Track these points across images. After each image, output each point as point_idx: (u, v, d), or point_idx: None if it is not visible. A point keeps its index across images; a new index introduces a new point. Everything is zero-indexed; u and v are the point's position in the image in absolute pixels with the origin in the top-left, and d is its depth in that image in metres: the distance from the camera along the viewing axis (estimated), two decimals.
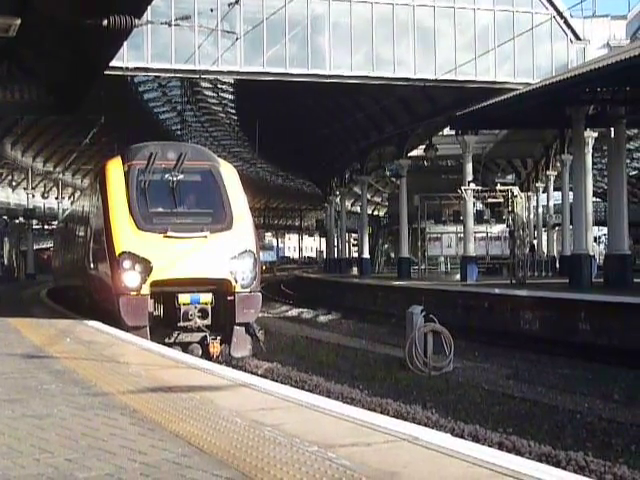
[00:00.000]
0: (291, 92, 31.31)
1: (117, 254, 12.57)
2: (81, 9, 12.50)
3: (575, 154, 26.72)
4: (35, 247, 57.20)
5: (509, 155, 43.40)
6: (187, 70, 24.09)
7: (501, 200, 29.80)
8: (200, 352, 12.36)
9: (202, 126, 62.03)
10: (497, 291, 22.82)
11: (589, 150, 28.62)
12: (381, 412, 9.02)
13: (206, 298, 12.60)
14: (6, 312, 16.18)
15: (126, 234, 12.82)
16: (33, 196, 54.26)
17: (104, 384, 6.74)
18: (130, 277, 12.39)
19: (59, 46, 15.63)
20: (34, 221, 55.23)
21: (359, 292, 33.10)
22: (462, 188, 28.73)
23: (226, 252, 12.86)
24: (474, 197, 29.52)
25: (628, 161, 44.40)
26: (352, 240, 71.34)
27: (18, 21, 12.04)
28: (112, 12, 12.24)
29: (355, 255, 61.48)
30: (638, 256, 50.62)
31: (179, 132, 58.79)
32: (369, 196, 58.03)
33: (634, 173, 59.78)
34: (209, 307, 12.58)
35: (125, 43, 17.95)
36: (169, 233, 12.68)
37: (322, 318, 27.43)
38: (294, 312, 30.33)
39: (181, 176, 13.45)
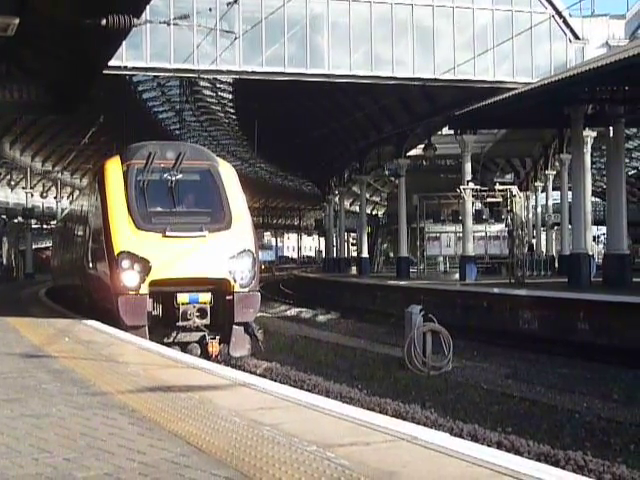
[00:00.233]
0: (290, 91, 31.30)
1: (116, 253, 12.55)
2: (80, 9, 12.51)
3: (574, 153, 26.74)
4: (34, 247, 57.02)
5: (508, 154, 43.38)
6: (186, 69, 24.05)
7: (500, 199, 29.91)
8: (199, 352, 12.34)
9: (201, 126, 61.99)
10: (496, 291, 22.82)
11: (588, 149, 28.57)
12: (380, 412, 9.00)
13: (205, 298, 12.58)
14: (5, 311, 16.17)
15: (125, 234, 12.80)
16: (32, 195, 54.16)
17: (103, 383, 6.73)
18: (129, 276, 12.37)
19: (58, 45, 15.61)
20: (33, 220, 55.04)
21: (358, 292, 33.08)
22: (461, 187, 28.75)
23: (225, 252, 12.83)
24: (473, 196, 29.52)
25: (627, 160, 44.40)
26: (351, 240, 71.50)
27: (17, 20, 12.00)
28: (111, 11, 12.24)
29: (354, 254, 61.60)
30: (637, 255, 50.76)
31: (178, 131, 58.76)
32: (368, 195, 57.98)
33: (633, 172, 59.87)
34: (208, 307, 12.56)
35: (124, 42, 17.91)
36: (168, 233, 12.65)
37: (321, 318, 27.43)
38: (293, 312, 30.33)
39: (180, 176, 13.43)
